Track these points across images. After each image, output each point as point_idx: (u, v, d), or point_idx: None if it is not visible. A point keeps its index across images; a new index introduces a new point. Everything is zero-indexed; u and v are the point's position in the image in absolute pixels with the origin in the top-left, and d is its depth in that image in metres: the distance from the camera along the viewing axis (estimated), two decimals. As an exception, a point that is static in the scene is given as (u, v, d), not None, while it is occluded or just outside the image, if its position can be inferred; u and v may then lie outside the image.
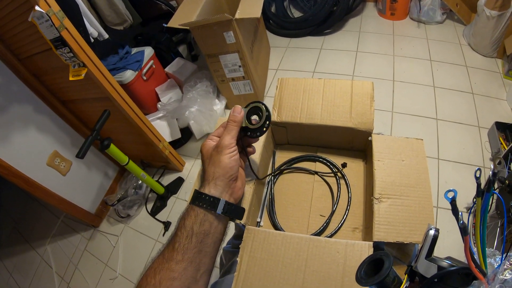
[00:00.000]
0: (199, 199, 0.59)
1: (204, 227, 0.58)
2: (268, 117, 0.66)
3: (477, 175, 0.39)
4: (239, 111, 0.65)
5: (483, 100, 2.16)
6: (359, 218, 0.83)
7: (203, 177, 0.63)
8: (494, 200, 1.59)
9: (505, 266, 0.37)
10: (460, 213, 0.38)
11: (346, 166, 0.92)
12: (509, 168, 1.60)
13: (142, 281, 0.56)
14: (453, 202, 0.39)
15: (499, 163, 0.35)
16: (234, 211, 0.63)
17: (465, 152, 1.92)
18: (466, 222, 0.40)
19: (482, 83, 2.26)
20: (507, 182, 1.41)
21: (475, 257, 0.38)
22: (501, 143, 1.78)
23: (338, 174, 0.91)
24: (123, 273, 1.92)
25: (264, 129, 0.67)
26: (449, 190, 0.39)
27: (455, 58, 2.45)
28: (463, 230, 0.37)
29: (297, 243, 0.66)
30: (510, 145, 1.58)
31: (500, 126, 1.86)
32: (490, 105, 2.12)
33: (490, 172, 0.39)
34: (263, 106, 0.67)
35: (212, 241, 0.60)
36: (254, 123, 0.67)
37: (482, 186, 0.40)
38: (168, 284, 0.54)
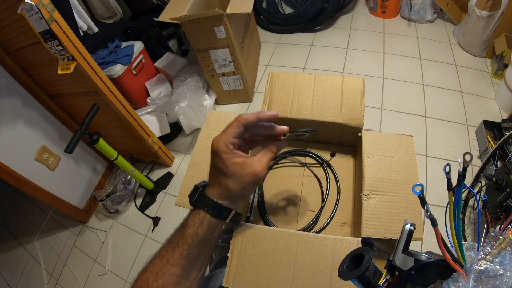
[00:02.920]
0: (212, 208, 0.57)
1: (214, 234, 0.59)
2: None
3: (447, 170, 0.40)
4: (283, 146, 0.62)
5: (471, 99, 2.18)
6: (348, 214, 0.83)
7: (222, 191, 0.58)
8: (480, 205, 1.62)
9: (479, 257, 0.38)
10: (426, 205, 0.39)
11: (335, 155, 0.92)
12: (496, 166, 1.62)
13: (141, 283, 0.54)
14: (420, 196, 0.40)
15: (469, 157, 0.36)
16: (237, 218, 0.64)
17: (453, 150, 1.94)
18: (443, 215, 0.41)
19: (471, 82, 2.28)
20: (494, 179, 1.44)
21: (453, 251, 0.39)
22: (489, 141, 1.81)
23: (325, 164, 0.91)
24: (112, 269, 1.91)
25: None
26: (417, 185, 0.40)
27: (445, 57, 2.48)
28: (432, 221, 0.38)
29: (287, 238, 0.66)
30: (498, 143, 1.61)
31: (488, 125, 1.89)
32: (478, 104, 2.15)
33: (459, 167, 0.40)
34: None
35: (215, 244, 0.61)
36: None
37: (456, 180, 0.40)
38: None
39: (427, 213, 0.38)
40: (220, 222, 0.59)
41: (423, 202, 0.40)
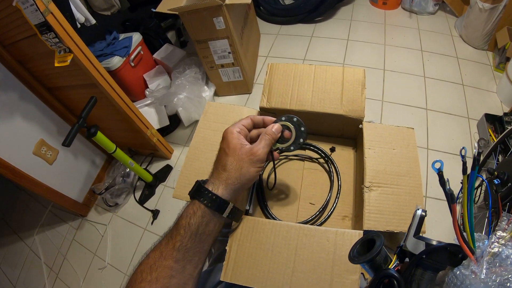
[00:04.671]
0: (207, 197, 0.57)
1: (209, 227, 0.58)
2: (302, 134, 0.67)
3: (463, 154, 0.39)
4: (278, 131, 0.66)
5: (473, 92, 2.17)
6: (348, 207, 0.82)
7: (219, 172, 0.60)
8: (482, 191, 1.61)
9: (493, 240, 0.37)
10: (447, 179, 0.38)
11: (334, 151, 0.91)
12: (497, 160, 1.61)
13: (136, 276, 0.54)
14: (440, 173, 0.39)
15: (483, 143, 0.36)
16: (236, 214, 0.63)
17: (454, 143, 1.93)
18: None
19: (473, 75, 2.27)
20: (495, 173, 1.42)
21: (464, 236, 0.39)
22: (490, 135, 1.79)
23: (326, 158, 0.90)
24: (112, 262, 1.90)
25: (296, 146, 0.68)
26: (436, 161, 0.39)
27: (446, 49, 2.46)
28: (450, 197, 0.38)
29: (287, 231, 0.65)
30: (499, 137, 1.59)
31: (490, 118, 1.87)
32: (480, 97, 2.13)
33: (475, 151, 0.39)
34: (298, 121, 0.67)
35: (212, 240, 0.60)
36: (286, 137, 0.68)
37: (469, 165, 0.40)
38: (165, 282, 0.53)
39: (446, 187, 0.37)
40: (215, 215, 0.58)
41: (442, 179, 0.39)
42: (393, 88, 2.26)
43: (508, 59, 2.10)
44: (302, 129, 0.67)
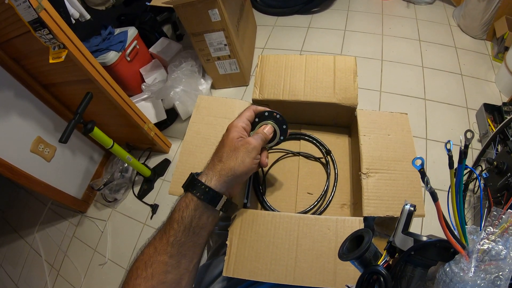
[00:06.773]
0: (200, 189, 0.56)
1: (202, 221, 0.57)
2: (281, 123, 0.69)
3: (448, 147, 0.38)
4: (270, 132, 0.67)
5: (471, 82, 2.16)
6: (346, 194, 0.82)
7: (214, 163, 0.59)
8: (482, 183, 1.61)
9: (482, 236, 0.37)
10: (426, 178, 0.37)
11: (330, 153, 0.90)
12: (497, 150, 1.60)
13: (131, 273, 0.54)
14: (421, 170, 0.39)
15: (470, 135, 0.35)
16: (230, 207, 0.62)
17: (453, 133, 1.92)
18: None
19: (471, 64, 2.26)
20: (495, 163, 1.42)
21: (455, 232, 0.38)
22: (489, 125, 1.79)
23: (321, 150, 0.90)
24: (112, 258, 1.91)
25: (281, 138, 0.70)
26: (417, 158, 0.38)
27: (445, 39, 2.44)
28: (433, 195, 0.37)
29: (287, 222, 0.65)
30: (498, 127, 1.58)
31: (489, 108, 1.87)
32: (478, 87, 2.13)
33: (462, 144, 0.38)
34: (278, 117, 0.68)
35: (206, 233, 0.59)
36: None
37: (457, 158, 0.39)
38: (161, 278, 0.53)
39: (427, 186, 0.37)
40: (208, 208, 0.57)
41: (423, 175, 0.38)
42: (391, 78, 2.25)
43: (506, 49, 2.09)
44: (284, 127, 0.68)
